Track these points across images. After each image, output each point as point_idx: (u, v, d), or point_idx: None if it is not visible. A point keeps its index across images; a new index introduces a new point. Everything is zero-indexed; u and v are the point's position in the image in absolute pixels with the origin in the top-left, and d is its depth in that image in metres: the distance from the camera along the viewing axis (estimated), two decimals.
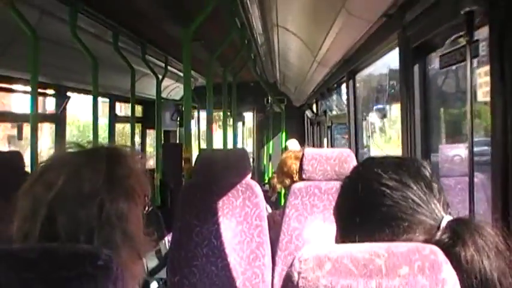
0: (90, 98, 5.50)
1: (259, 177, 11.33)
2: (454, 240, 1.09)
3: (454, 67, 2.20)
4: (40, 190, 1.17)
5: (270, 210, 5.23)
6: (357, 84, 4.92)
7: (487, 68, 1.70)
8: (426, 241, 1.11)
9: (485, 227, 1.11)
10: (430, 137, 2.57)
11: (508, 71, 1.50)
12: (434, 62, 2.55)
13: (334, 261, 1.00)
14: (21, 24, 3.76)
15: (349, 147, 4.65)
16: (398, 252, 1.01)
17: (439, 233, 1.12)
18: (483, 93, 1.78)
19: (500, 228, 1.12)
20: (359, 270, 0.99)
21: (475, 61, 1.87)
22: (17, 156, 3.73)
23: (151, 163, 9.25)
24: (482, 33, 1.75)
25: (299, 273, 1.00)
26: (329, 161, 3.52)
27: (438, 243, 1.08)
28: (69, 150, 1.30)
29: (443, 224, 1.13)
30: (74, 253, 1.03)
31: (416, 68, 2.54)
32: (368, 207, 1.18)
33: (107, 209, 1.16)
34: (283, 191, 8.47)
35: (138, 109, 9.03)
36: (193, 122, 10.39)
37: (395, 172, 1.17)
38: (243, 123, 12.78)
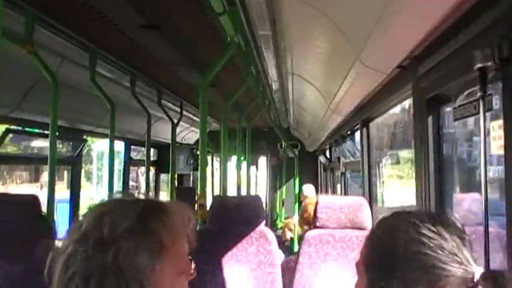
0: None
1: (272, 222, 11.26)
2: None
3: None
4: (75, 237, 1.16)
5: (282, 255, 5.20)
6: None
7: (500, 121, 1.72)
8: None
9: None
10: (444, 188, 2.56)
11: None
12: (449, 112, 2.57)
13: None
14: (43, 70, 3.81)
15: (363, 195, 4.63)
16: None
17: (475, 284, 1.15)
18: (497, 147, 1.79)
19: None
20: None
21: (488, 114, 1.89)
22: (33, 199, 3.76)
23: None
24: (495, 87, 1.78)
25: None
26: (343, 210, 3.51)
27: None
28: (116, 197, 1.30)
29: (477, 276, 1.15)
30: None
31: (430, 119, 2.55)
32: (405, 256, 1.19)
33: (121, 258, 1.11)
34: (296, 237, 8.43)
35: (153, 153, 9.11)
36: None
37: (431, 223, 1.19)
38: (257, 168, 12.77)
